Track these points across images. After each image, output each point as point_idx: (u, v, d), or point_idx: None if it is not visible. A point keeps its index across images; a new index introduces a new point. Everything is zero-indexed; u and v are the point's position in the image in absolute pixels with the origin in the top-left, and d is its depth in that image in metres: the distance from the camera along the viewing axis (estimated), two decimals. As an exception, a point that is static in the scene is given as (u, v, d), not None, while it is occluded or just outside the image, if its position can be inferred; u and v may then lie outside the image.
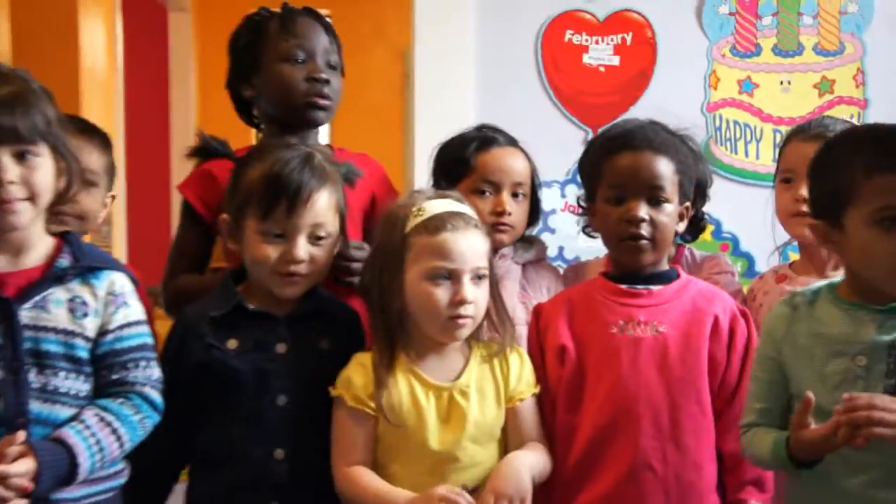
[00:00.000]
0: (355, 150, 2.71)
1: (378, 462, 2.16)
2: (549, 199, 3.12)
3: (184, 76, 7.25)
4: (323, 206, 2.23)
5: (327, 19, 2.63)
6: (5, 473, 1.88)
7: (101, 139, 2.69)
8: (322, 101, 2.56)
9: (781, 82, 3.39)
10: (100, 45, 5.32)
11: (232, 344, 2.21)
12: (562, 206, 3.06)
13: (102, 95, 5.29)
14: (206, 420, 2.21)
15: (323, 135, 2.76)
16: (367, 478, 2.13)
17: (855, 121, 3.20)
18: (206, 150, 2.48)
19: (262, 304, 2.24)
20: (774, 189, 2.57)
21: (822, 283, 2.10)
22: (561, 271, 2.76)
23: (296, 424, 2.19)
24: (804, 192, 2.27)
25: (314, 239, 2.23)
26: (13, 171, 1.99)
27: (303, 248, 2.20)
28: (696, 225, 2.61)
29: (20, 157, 2.00)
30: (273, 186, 2.20)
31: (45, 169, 2.03)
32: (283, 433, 2.19)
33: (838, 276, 2.19)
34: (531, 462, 2.15)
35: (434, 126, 3.20)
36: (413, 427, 2.13)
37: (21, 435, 1.95)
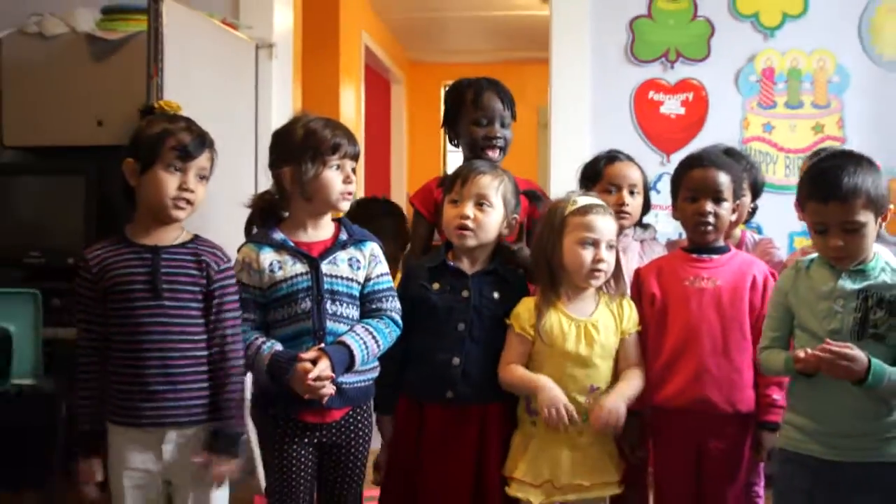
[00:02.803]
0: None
1: (533, 370, 2.15)
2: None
3: (399, 127, 7.35)
4: (485, 183, 2.20)
5: (503, 87, 2.57)
6: (321, 370, 1.98)
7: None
8: (491, 153, 2.48)
9: (790, 126, 3.34)
10: (351, 108, 5.41)
11: (435, 286, 2.22)
12: (645, 204, 3.06)
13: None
14: (412, 335, 2.21)
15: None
16: (519, 369, 2.15)
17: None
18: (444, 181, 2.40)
19: (460, 264, 2.24)
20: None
21: (814, 254, 2.07)
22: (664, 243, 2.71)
23: (468, 343, 2.19)
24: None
25: (478, 205, 2.20)
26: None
27: (468, 208, 2.19)
28: (753, 212, 2.65)
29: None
30: (458, 169, 2.28)
31: None
32: (459, 348, 2.18)
33: None
34: (627, 392, 2.13)
35: (563, 160, 3.25)
36: (558, 345, 2.13)
37: (316, 347, 2.03)
